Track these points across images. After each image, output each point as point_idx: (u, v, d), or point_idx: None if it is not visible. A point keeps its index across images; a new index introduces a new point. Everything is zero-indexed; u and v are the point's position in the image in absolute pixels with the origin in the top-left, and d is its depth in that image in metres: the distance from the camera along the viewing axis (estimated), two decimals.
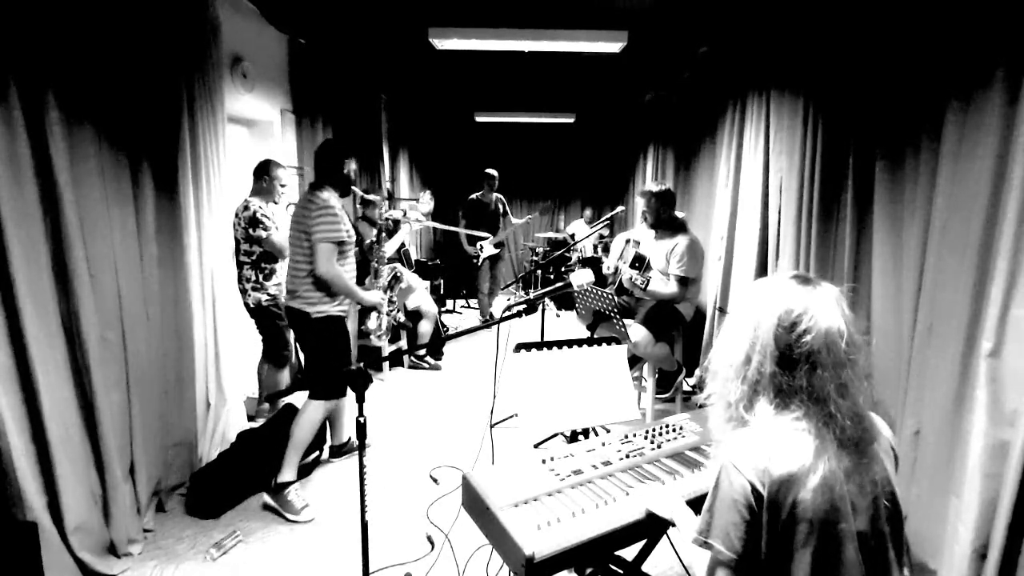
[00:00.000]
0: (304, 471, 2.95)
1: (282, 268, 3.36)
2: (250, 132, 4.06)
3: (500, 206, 6.15)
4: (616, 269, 3.61)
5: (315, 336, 2.68)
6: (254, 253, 3.23)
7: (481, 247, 5.92)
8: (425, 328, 4.63)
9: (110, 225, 2.25)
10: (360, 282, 3.13)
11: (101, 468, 2.20)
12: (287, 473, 2.63)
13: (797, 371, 1.03)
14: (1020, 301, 1.64)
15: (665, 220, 3.52)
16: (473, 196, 6.08)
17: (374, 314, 3.46)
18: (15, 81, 1.84)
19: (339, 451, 3.16)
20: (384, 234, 4.35)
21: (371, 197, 4.26)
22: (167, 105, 2.56)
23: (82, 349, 2.11)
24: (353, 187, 2.87)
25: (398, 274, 3.71)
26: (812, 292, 1.06)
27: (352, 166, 2.76)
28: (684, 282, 3.40)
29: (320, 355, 2.72)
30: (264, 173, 3.27)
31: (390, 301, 3.58)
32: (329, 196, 2.60)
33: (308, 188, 2.69)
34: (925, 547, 2.00)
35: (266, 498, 2.65)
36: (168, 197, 2.58)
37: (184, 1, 2.65)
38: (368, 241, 3.65)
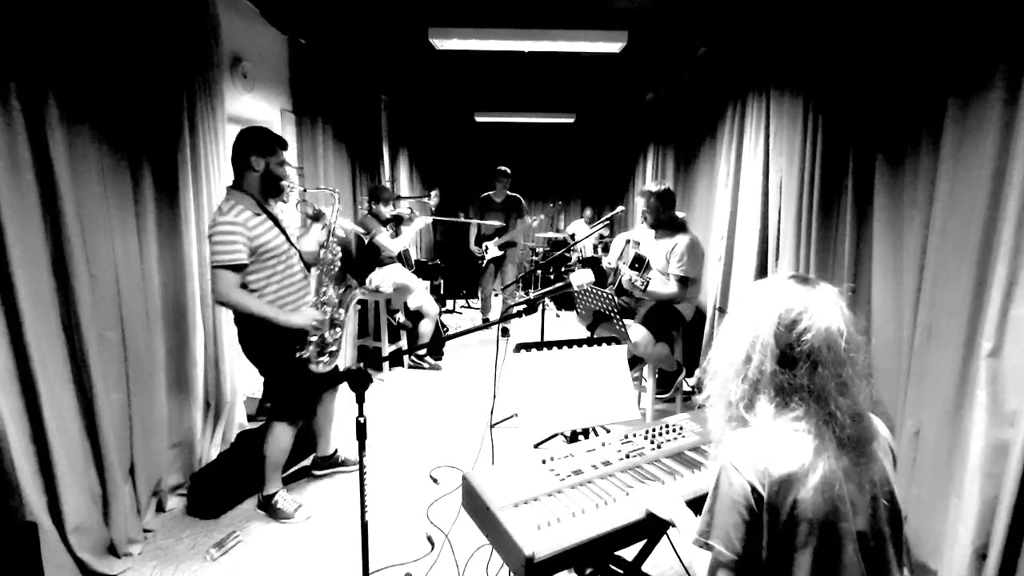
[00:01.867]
0: (297, 477, 2.95)
1: None
2: None
3: (510, 205, 5.98)
4: (616, 269, 3.61)
5: (264, 358, 2.48)
6: None
7: (486, 247, 5.90)
8: (426, 328, 4.63)
9: (110, 225, 2.26)
10: (362, 281, 2.86)
11: (101, 468, 2.20)
12: (270, 486, 2.60)
13: (798, 369, 1.04)
14: (1020, 301, 1.64)
15: (665, 220, 3.52)
16: (487, 193, 6.01)
17: (310, 337, 2.48)
18: (15, 81, 1.84)
19: (324, 463, 3.00)
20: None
21: (385, 196, 4.29)
22: (167, 105, 2.56)
23: (82, 349, 2.11)
24: (286, 184, 2.48)
25: (349, 284, 2.86)
26: (811, 291, 1.07)
27: (279, 159, 2.42)
28: (684, 282, 3.40)
29: (274, 376, 2.54)
30: None
31: (333, 323, 2.58)
32: (234, 205, 2.28)
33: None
34: (925, 547, 2.00)
35: (259, 510, 2.65)
36: (168, 197, 2.58)
37: (184, 1, 2.65)
38: (330, 249, 2.65)
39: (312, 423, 2.89)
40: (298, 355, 2.45)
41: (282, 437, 2.53)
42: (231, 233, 2.23)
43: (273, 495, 2.59)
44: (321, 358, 2.53)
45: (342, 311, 2.63)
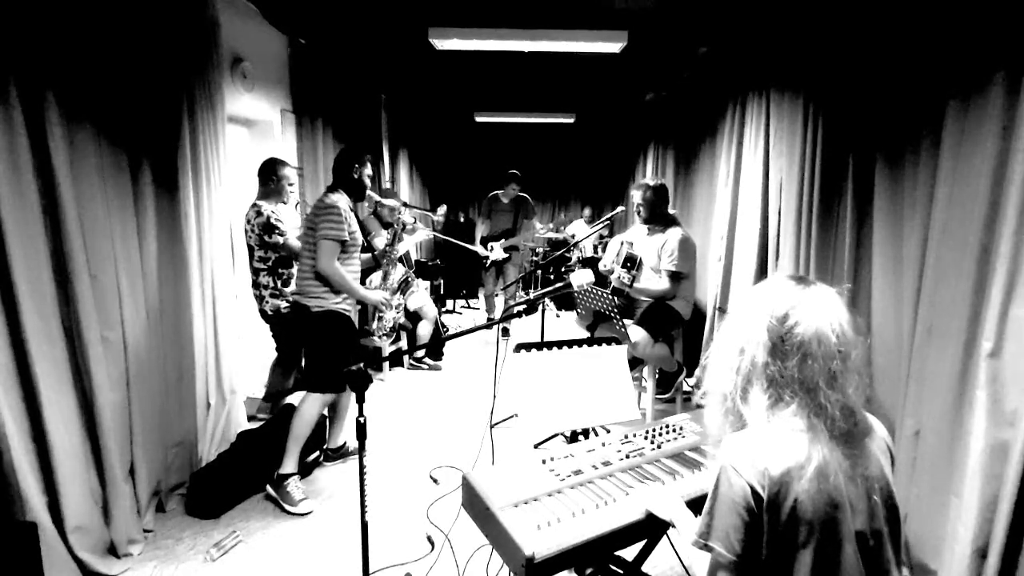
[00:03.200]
0: (304, 471, 2.96)
1: None
2: (250, 132, 4.06)
3: (517, 206, 5.93)
4: (612, 270, 3.63)
5: (314, 329, 2.72)
6: (270, 259, 3.19)
7: (492, 248, 5.89)
8: (424, 330, 4.63)
9: (110, 225, 2.25)
10: (363, 282, 3.13)
11: (101, 468, 2.21)
12: (288, 465, 2.70)
13: (788, 361, 1.05)
14: (1020, 301, 1.64)
15: (659, 215, 3.52)
16: (495, 192, 5.99)
17: (378, 314, 3.43)
18: (15, 81, 1.84)
19: (335, 454, 3.13)
20: (397, 235, 4.36)
21: (388, 202, 4.35)
22: (167, 105, 2.56)
23: (82, 349, 2.11)
24: (369, 192, 2.99)
25: (409, 279, 3.73)
26: (805, 290, 1.09)
27: (366, 171, 2.87)
28: (676, 277, 3.41)
29: (318, 349, 2.77)
30: (271, 173, 3.22)
31: (397, 306, 3.54)
32: (338, 198, 2.69)
33: (323, 192, 2.81)
34: (925, 547, 2.00)
35: (268, 488, 2.72)
36: (168, 197, 2.58)
37: (184, 1, 2.65)
38: (384, 246, 3.60)
39: (336, 407, 3.07)
40: (366, 327, 3.17)
41: (312, 409, 2.73)
42: (341, 214, 2.65)
43: (288, 476, 2.69)
44: (384, 332, 3.43)
45: (401, 297, 3.46)
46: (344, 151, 2.90)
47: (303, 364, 3.15)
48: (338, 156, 2.87)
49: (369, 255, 3.32)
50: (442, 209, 6.03)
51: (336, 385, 2.79)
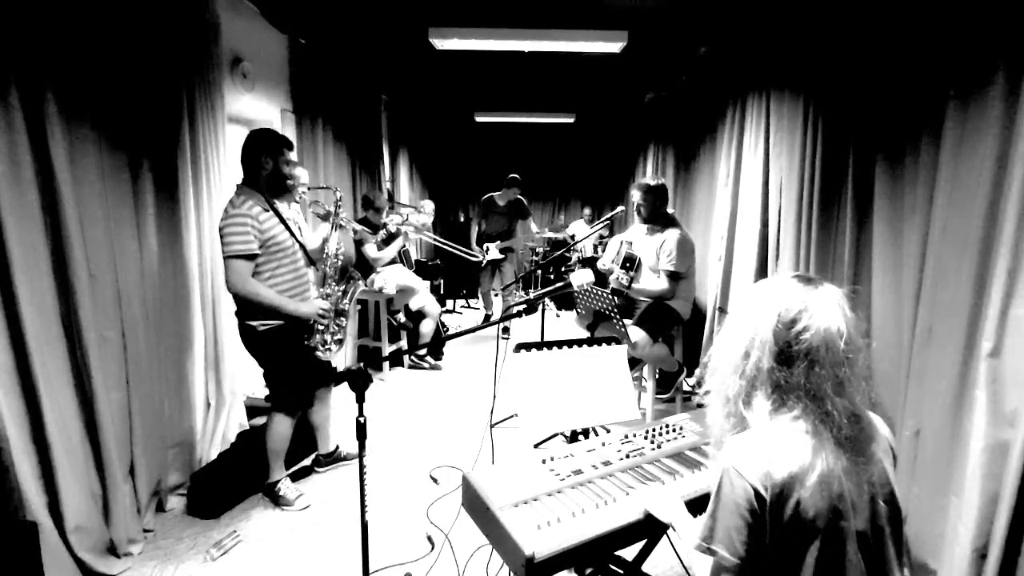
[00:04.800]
0: (303, 473, 2.97)
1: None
2: None
3: (513, 208, 5.96)
4: (611, 270, 3.63)
5: (262, 350, 2.52)
6: None
7: (487, 249, 5.90)
8: (427, 328, 4.63)
9: (110, 225, 2.25)
10: (342, 279, 2.80)
11: (101, 468, 2.21)
12: (275, 473, 2.69)
13: (795, 367, 1.03)
14: (1020, 301, 1.64)
15: (658, 215, 3.53)
16: (491, 195, 5.96)
17: (317, 327, 2.62)
18: (15, 81, 1.84)
19: (327, 460, 3.05)
20: (384, 238, 4.34)
21: (379, 204, 4.30)
22: (167, 105, 2.56)
23: (82, 349, 2.11)
24: (292, 183, 2.58)
25: (352, 275, 3.00)
26: (813, 291, 1.06)
27: (282, 159, 2.49)
28: (674, 277, 3.41)
29: (271, 369, 2.59)
30: None
31: (339, 312, 2.73)
32: (245, 200, 2.37)
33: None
34: (925, 547, 2.00)
35: (263, 496, 2.73)
36: (168, 197, 2.58)
37: (184, 1, 2.65)
38: (320, 242, 2.79)
39: (311, 419, 2.93)
40: (306, 342, 2.59)
41: (281, 427, 2.63)
42: (243, 224, 2.32)
43: (276, 483, 2.68)
44: (328, 346, 2.68)
45: (346, 302, 2.76)
46: (248, 139, 2.47)
47: (265, 383, 2.75)
48: (243, 145, 2.46)
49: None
50: (429, 206, 5.95)
51: (299, 403, 2.67)
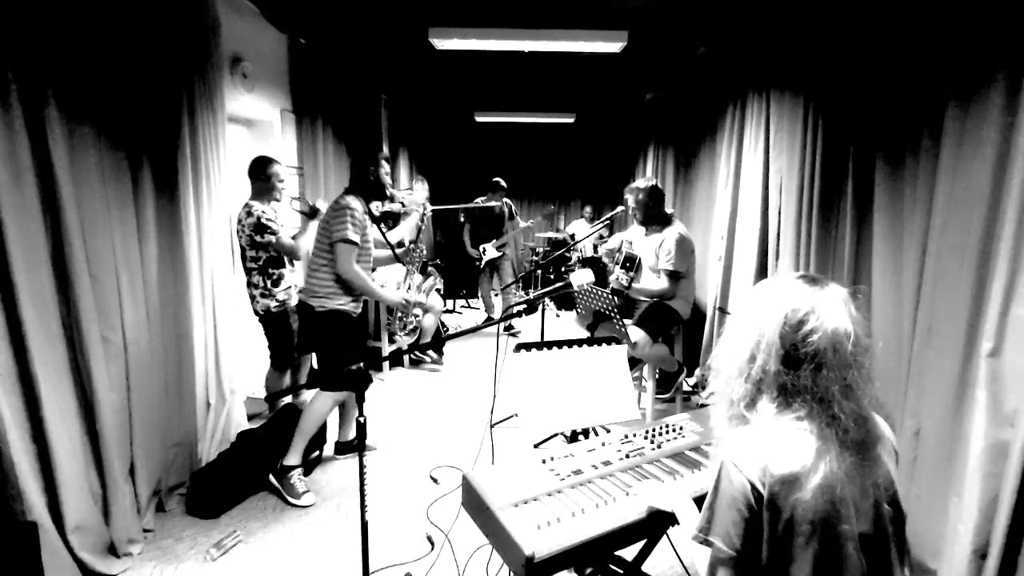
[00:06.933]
0: (305, 469, 2.96)
1: (290, 272, 3.31)
2: (250, 132, 4.06)
3: (506, 210, 6.09)
4: (612, 269, 3.63)
5: (318, 329, 2.76)
6: (260, 259, 3.16)
7: (484, 249, 5.93)
8: (429, 323, 4.63)
9: (110, 225, 2.25)
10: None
11: (101, 468, 2.21)
12: (292, 457, 2.75)
13: (802, 370, 1.02)
14: (1020, 301, 1.64)
15: (655, 216, 3.53)
16: (478, 200, 6.01)
17: (398, 315, 3.46)
18: (15, 81, 1.84)
19: (346, 448, 3.18)
20: (386, 226, 4.34)
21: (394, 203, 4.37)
22: (167, 105, 2.56)
23: (82, 349, 2.11)
24: (390, 190, 3.01)
25: (431, 272, 3.81)
26: (820, 292, 1.05)
27: (383, 171, 2.89)
28: (673, 276, 3.41)
29: (325, 348, 2.83)
30: (261, 171, 3.17)
31: (417, 304, 3.51)
32: (351, 200, 2.72)
33: (340, 194, 2.84)
34: (925, 547, 2.00)
35: (271, 479, 2.77)
36: (168, 197, 2.58)
37: (184, 1, 2.65)
38: (408, 244, 3.57)
39: (342, 405, 3.10)
40: (388, 325, 3.30)
41: (323, 407, 2.79)
42: (355, 217, 2.68)
43: (292, 468, 2.75)
44: (405, 331, 3.39)
45: (423, 295, 3.40)
46: (358, 154, 2.95)
47: (314, 363, 3.20)
48: (353, 159, 2.95)
49: (389, 253, 3.29)
50: (422, 184, 5.83)
51: (347, 384, 2.80)
